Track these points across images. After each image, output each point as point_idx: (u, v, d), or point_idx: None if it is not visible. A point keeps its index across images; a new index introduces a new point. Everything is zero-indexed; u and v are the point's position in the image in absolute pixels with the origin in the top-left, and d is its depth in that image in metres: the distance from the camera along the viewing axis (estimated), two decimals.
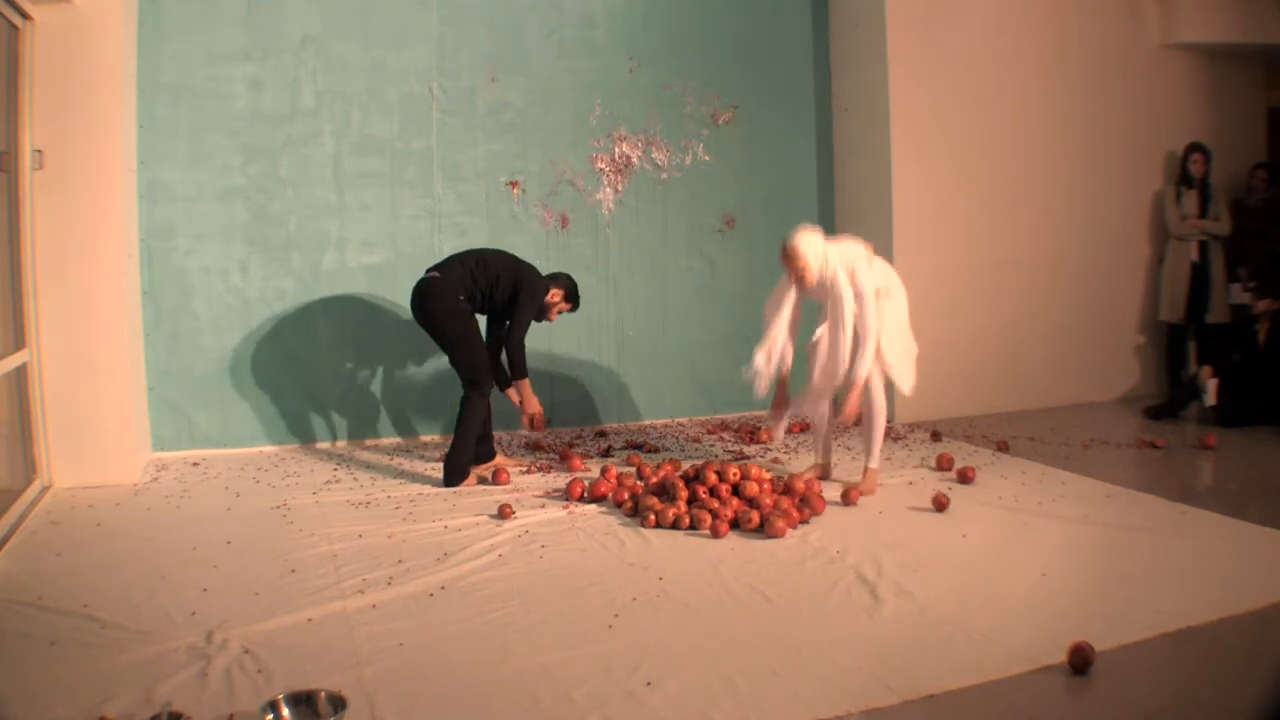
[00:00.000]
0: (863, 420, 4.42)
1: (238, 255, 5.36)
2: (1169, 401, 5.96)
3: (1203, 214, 6.29)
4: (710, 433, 5.70)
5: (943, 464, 4.70)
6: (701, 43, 6.09)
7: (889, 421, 5.79)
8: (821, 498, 4.06)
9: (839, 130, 6.32)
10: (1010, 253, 6.13)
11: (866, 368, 4.15)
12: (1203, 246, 6.30)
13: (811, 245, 4.19)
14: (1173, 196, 6.37)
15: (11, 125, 4.36)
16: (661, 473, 4.36)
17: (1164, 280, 6.44)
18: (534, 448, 5.33)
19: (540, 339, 5.83)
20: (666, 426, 5.95)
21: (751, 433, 5.53)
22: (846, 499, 4.16)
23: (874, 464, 4.38)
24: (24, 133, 4.38)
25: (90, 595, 3.17)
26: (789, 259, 4.19)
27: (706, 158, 6.14)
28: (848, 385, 4.21)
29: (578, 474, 4.69)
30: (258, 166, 5.37)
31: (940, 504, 4.02)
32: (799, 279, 4.22)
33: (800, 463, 4.94)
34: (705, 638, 2.85)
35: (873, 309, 4.13)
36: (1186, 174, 6.33)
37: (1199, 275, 6.30)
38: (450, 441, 4.64)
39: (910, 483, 4.51)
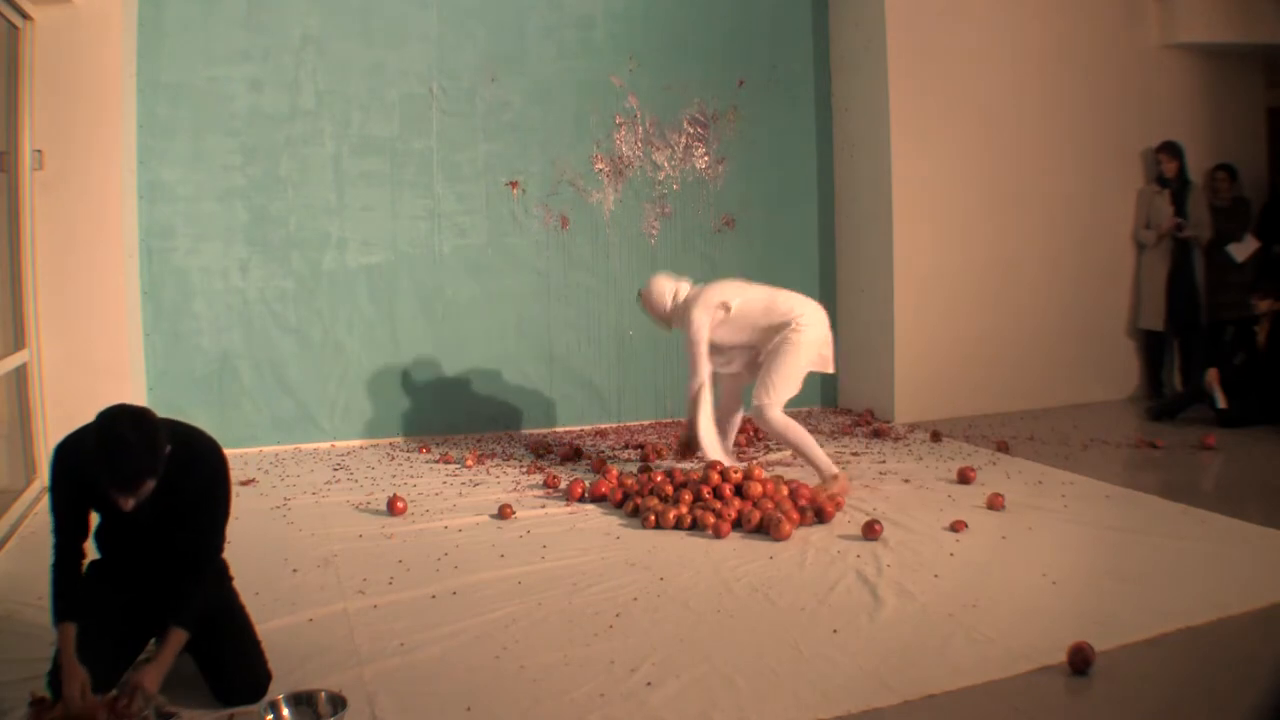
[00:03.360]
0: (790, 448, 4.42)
1: (238, 255, 5.36)
2: (1170, 402, 5.96)
3: (1180, 216, 6.24)
4: None
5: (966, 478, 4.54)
6: (701, 43, 6.09)
7: (886, 422, 5.81)
8: (828, 500, 4.05)
9: (839, 130, 6.32)
10: (1010, 252, 6.13)
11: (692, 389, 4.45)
12: (1180, 252, 6.27)
13: (658, 288, 4.59)
14: (1144, 218, 6.34)
15: (11, 125, 4.36)
16: (661, 474, 4.35)
17: (1142, 288, 6.44)
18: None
19: (541, 339, 5.85)
20: (666, 427, 5.95)
21: (753, 433, 5.52)
22: (822, 516, 3.93)
23: (832, 470, 4.24)
24: (24, 133, 4.38)
25: None
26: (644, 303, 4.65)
27: (706, 158, 6.14)
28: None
29: (578, 473, 4.70)
30: (258, 166, 5.37)
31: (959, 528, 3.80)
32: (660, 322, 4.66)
33: (801, 469, 4.93)
34: (705, 638, 2.86)
35: (699, 344, 4.41)
36: (1161, 175, 6.31)
37: (1176, 282, 6.28)
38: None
39: (906, 480, 4.52)
